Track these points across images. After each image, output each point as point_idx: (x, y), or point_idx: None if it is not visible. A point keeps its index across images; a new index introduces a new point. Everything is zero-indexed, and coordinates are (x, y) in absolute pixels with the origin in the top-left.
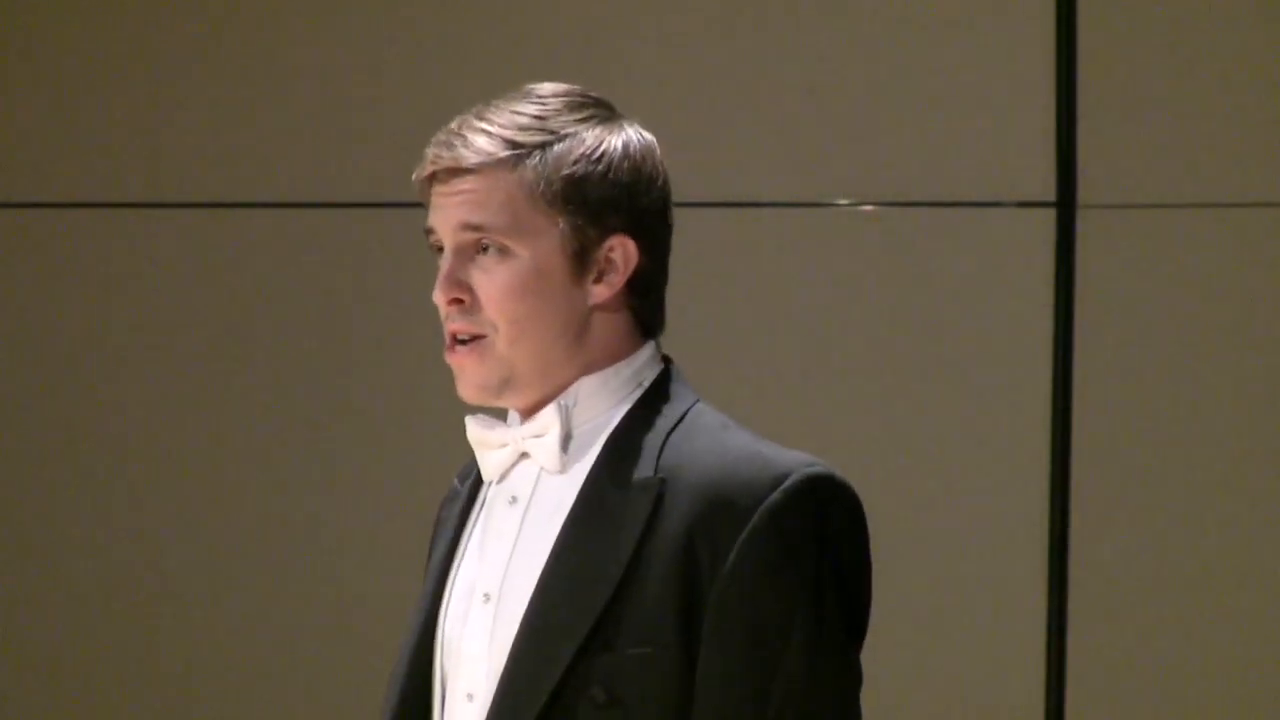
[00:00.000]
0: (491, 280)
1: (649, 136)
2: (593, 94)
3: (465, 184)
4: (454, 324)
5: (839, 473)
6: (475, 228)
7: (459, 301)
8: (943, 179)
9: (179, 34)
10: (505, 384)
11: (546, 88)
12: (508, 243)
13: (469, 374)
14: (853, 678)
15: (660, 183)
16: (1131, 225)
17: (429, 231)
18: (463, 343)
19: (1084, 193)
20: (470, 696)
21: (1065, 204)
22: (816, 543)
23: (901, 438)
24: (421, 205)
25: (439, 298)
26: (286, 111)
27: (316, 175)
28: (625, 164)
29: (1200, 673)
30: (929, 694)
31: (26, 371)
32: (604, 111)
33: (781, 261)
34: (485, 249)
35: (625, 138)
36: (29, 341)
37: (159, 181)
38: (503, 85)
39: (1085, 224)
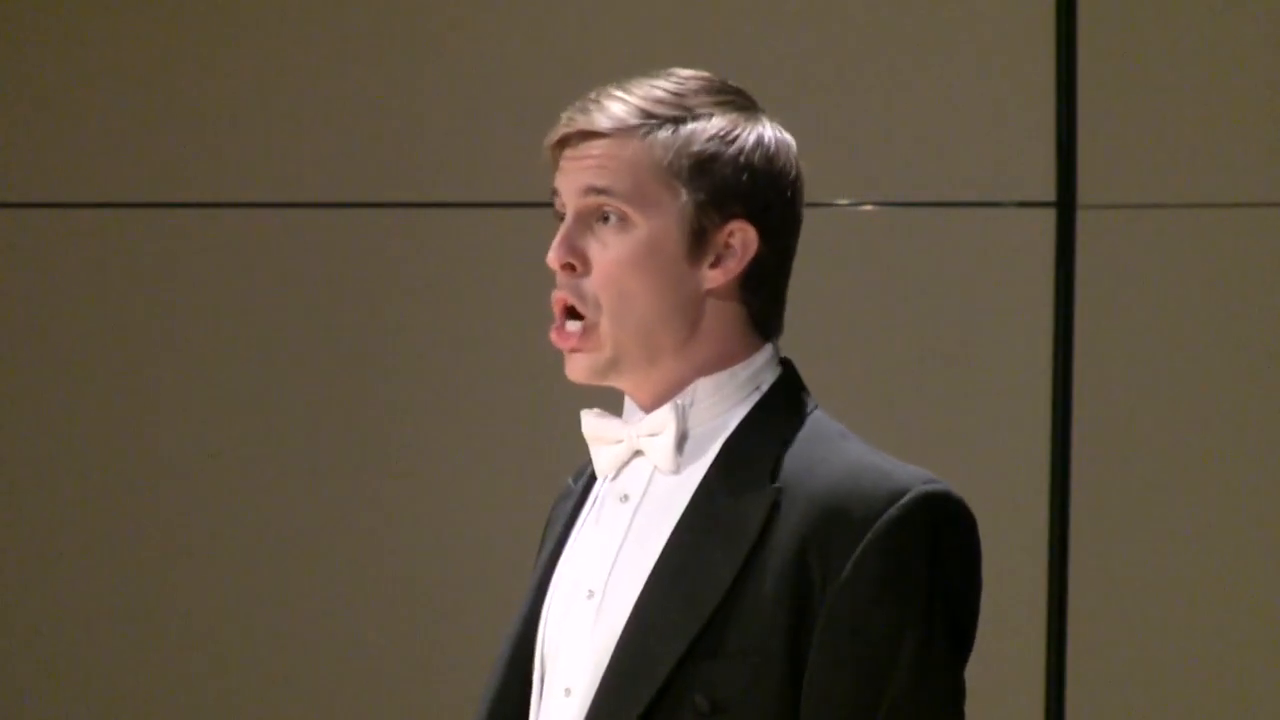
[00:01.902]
0: (606, 250)
1: (787, 135)
2: (733, 84)
3: (595, 149)
4: (561, 291)
5: (955, 490)
6: (599, 191)
7: (570, 268)
8: (943, 179)
9: (179, 34)
10: (613, 364)
11: (687, 70)
12: (628, 211)
13: (578, 359)
14: (959, 696)
15: (792, 178)
16: (1131, 225)
17: (554, 194)
18: (571, 318)
19: (1084, 193)
20: (568, 691)
21: (1065, 204)
22: (929, 562)
23: (901, 438)
24: (419, 205)
25: (552, 260)
26: (287, 111)
27: (317, 175)
28: (757, 152)
29: (1200, 673)
30: None
31: (27, 371)
32: (743, 100)
33: None
34: (606, 218)
35: (761, 128)
36: (29, 341)
37: (159, 181)
38: (506, 86)
39: (1085, 224)
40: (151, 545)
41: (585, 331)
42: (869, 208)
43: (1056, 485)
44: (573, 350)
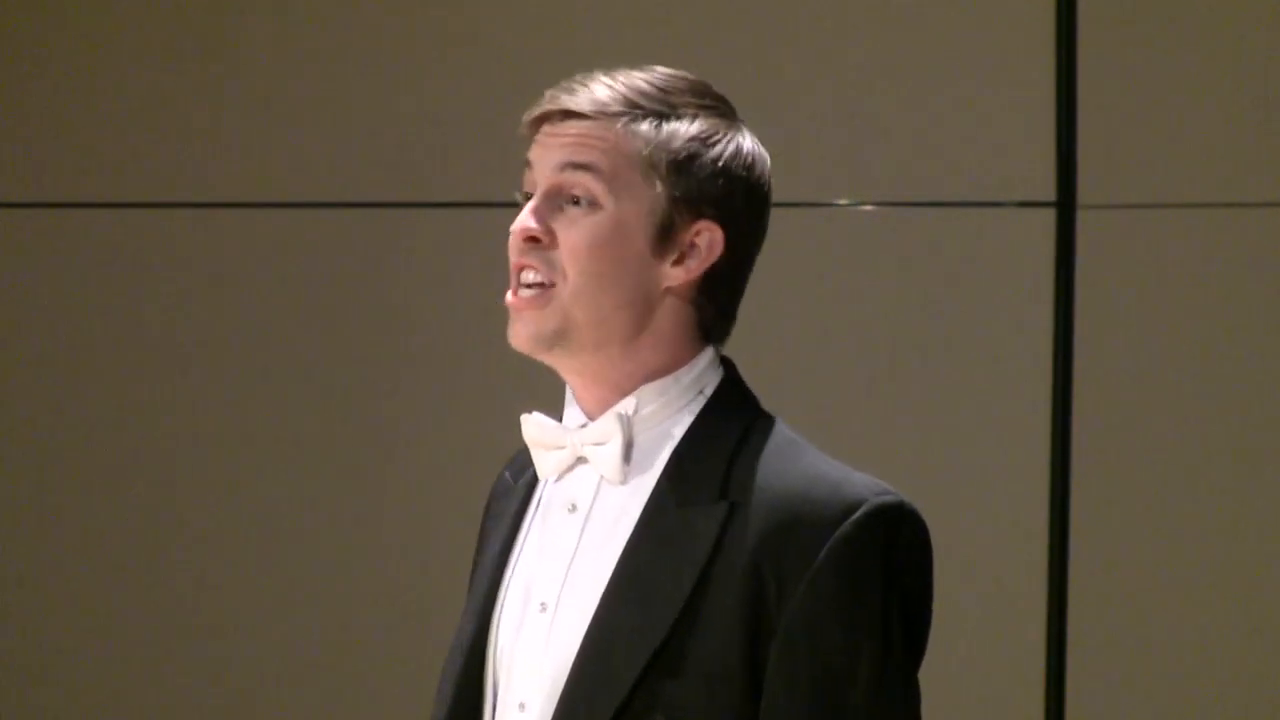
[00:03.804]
0: (575, 230)
1: (764, 150)
2: (717, 90)
3: (577, 128)
4: (526, 259)
5: (908, 500)
6: (578, 167)
7: (535, 240)
8: (943, 179)
9: (179, 34)
10: (559, 337)
11: (670, 69)
12: (600, 192)
13: (525, 320)
14: (916, 705)
15: (764, 193)
16: (1131, 225)
17: (527, 165)
18: (527, 287)
19: (1084, 193)
20: (523, 706)
21: (1065, 204)
22: (885, 575)
23: (901, 438)
24: (419, 205)
25: (518, 229)
26: (287, 111)
27: (317, 175)
28: (736, 160)
29: (1200, 673)
30: (928, 694)
31: (27, 372)
32: (725, 108)
33: (781, 261)
34: (576, 201)
35: (742, 137)
36: (29, 341)
37: (159, 181)
38: (506, 85)
39: (1085, 224)
40: (151, 543)
41: (544, 295)
42: (869, 208)
43: (1056, 485)
44: (522, 310)
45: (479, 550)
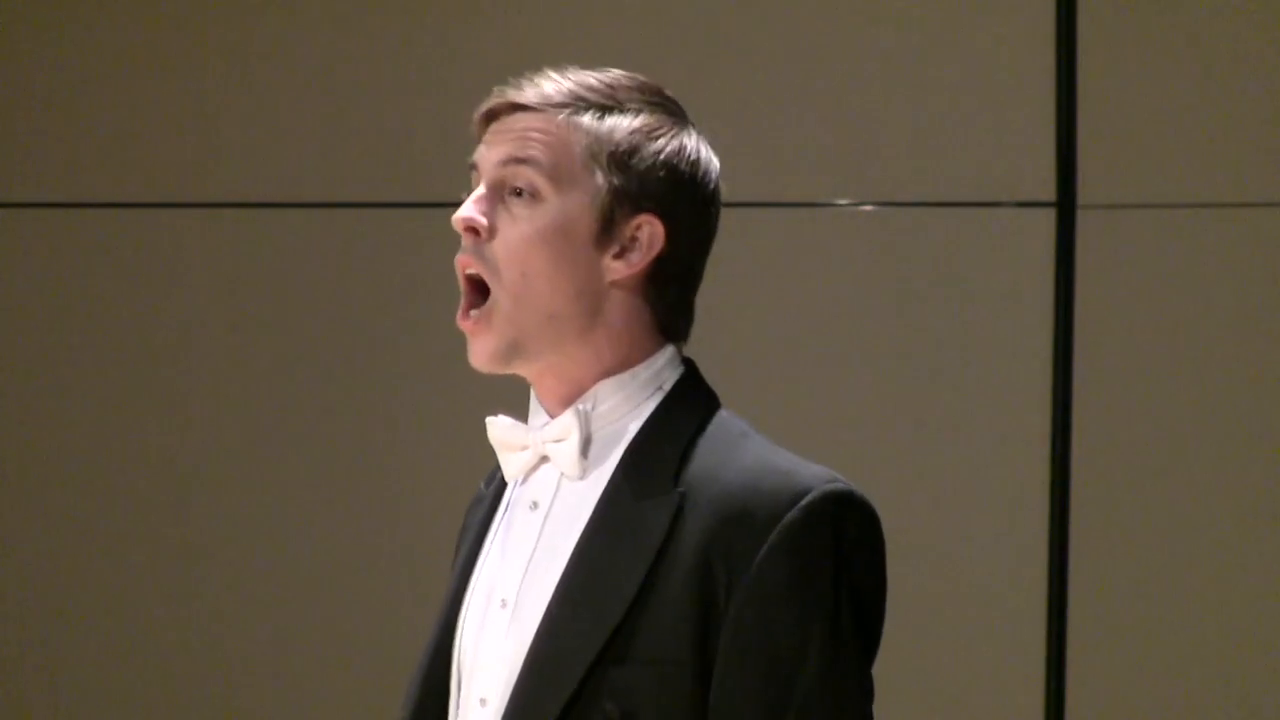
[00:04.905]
0: (515, 225)
1: (712, 154)
2: (668, 92)
3: (521, 122)
4: (464, 255)
5: (858, 489)
6: (519, 161)
7: (474, 232)
8: (943, 179)
9: (180, 34)
10: (515, 349)
11: (627, 72)
12: (541, 185)
13: (479, 341)
14: (866, 694)
15: (709, 190)
16: (1131, 225)
17: (472, 168)
18: (473, 302)
19: (1084, 193)
20: (483, 702)
21: (1065, 204)
22: (834, 562)
23: (901, 438)
24: (420, 205)
25: (458, 221)
26: (287, 111)
27: (317, 175)
28: (678, 155)
29: (1200, 673)
30: (929, 696)
31: (27, 371)
32: (674, 107)
33: (782, 261)
34: (519, 193)
35: (687, 136)
36: (29, 341)
37: (159, 181)
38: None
39: (1085, 224)
40: (151, 544)
41: (486, 315)
42: (869, 208)
43: (1056, 485)
44: (474, 333)
45: (454, 558)
